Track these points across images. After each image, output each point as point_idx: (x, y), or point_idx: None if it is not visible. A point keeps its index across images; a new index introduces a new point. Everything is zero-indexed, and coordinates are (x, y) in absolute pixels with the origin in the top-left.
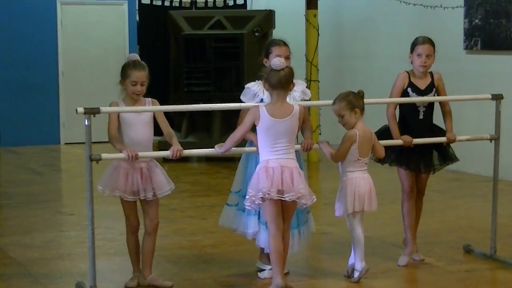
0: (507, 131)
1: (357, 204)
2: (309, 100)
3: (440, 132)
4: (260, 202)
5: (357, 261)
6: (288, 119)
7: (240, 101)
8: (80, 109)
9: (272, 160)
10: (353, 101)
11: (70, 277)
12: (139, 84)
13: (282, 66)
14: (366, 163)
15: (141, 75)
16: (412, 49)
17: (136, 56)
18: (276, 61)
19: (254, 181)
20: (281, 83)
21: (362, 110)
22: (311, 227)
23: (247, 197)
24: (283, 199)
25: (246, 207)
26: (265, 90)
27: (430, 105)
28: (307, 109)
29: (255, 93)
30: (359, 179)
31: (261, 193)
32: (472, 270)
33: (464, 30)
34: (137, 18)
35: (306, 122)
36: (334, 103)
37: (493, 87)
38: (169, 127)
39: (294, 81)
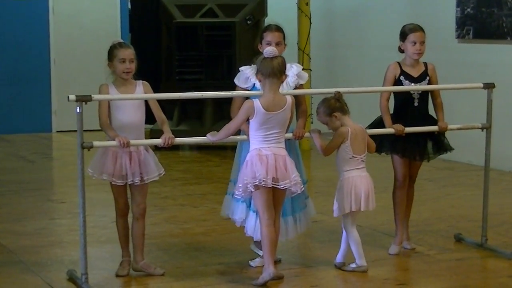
0: (499, 120)
1: (354, 204)
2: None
3: (435, 122)
4: (253, 190)
5: (358, 259)
6: (281, 111)
7: (233, 87)
8: (72, 97)
9: (264, 148)
10: (328, 108)
11: (61, 264)
12: (128, 61)
13: (274, 54)
14: (363, 161)
15: (128, 53)
16: (404, 38)
17: (121, 40)
18: (268, 49)
19: (248, 168)
20: (273, 71)
21: (342, 111)
22: (310, 212)
23: (239, 185)
24: (277, 187)
25: (235, 196)
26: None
27: (425, 94)
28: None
29: (247, 76)
30: (356, 178)
31: (257, 181)
32: (463, 259)
33: (456, 19)
34: (129, 6)
35: (302, 105)
36: (317, 114)
37: (485, 76)
38: (161, 112)
39: (290, 64)
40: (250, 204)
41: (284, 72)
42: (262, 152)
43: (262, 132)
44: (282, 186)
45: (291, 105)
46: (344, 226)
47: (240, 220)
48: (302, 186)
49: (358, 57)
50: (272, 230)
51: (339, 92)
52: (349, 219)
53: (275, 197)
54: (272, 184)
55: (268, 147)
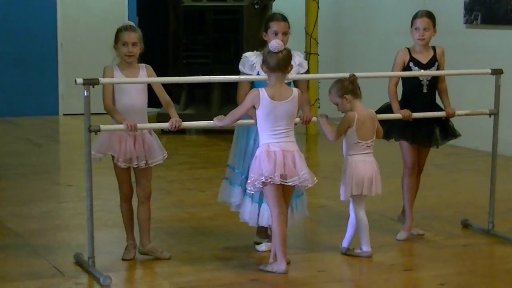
0: (507, 106)
1: (355, 188)
2: (307, 72)
3: (441, 110)
4: (261, 186)
5: (363, 244)
6: (287, 101)
7: (239, 72)
8: (79, 80)
9: (273, 143)
10: (341, 88)
11: (68, 248)
12: (130, 44)
13: (280, 48)
14: (368, 146)
15: (131, 36)
16: (412, 24)
17: (130, 23)
18: (273, 43)
19: (256, 165)
20: (279, 66)
21: (354, 94)
22: (305, 200)
23: (248, 181)
24: (286, 183)
25: (248, 191)
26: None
27: (434, 80)
28: (306, 81)
29: (252, 63)
30: (359, 163)
31: (263, 178)
32: (470, 245)
33: (464, 4)
34: None
35: (304, 94)
36: (329, 93)
37: (493, 62)
38: (166, 94)
39: (292, 52)
40: (246, 189)
41: (290, 64)
42: (270, 148)
43: (270, 125)
44: (290, 183)
45: (298, 97)
46: (351, 209)
47: (235, 204)
48: (315, 178)
49: (366, 42)
50: (283, 226)
51: (354, 74)
52: (354, 203)
53: (284, 192)
54: (280, 181)
55: (277, 142)
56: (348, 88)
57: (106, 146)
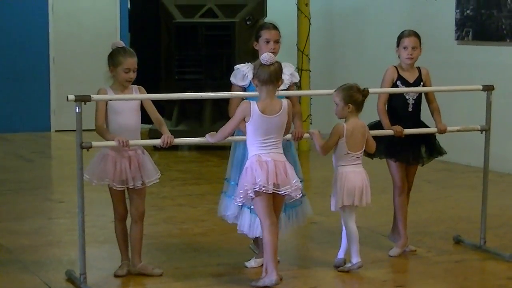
0: (498, 122)
1: (346, 198)
2: (299, 83)
3: (427, 127)
4: (253, 196)
5: (353, 256)
6: (278, 115)
7: (231, 86)
8: (71, 97)
9: (263, 154)
10: (350, 96)
11: (59, 264)
12: (132, 71)
13: (272, 61)
14: (358, 157)
15: (133, 62)
16: (398, 43)
17: (122, 43)
18: (265, 56)
19: (248, 175)
20: (271, 78)
21: (357, 107)
22: (306, 210)
23: (240, 191)
24: (279, 192)
25: (237, 202)
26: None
27: (419, 99)
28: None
29: (244, 74)
30: (349, 173)
31: (257, 186)
32: (462, 261)
33: (456, 20)
34: (129, 5)
35: (296, 107)
36: (335, 90)
37: (484, 78)
38: (157, 114)
39: (283, 63)
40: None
41: (281, 78)
42: (261, 158)
43: (260, 137)
44: (282, 192)
45: (288, 108)
46: (342, 220)
47: (233, 217)
48: (301, 192)
49: (357, 58)
50: (274, 237)
51: (368, 91)
52: (344, 213)
53: (275, 202)
54: (273, 190)
55: (267, 153)
56: (357, 100)
57: (100, 174)
